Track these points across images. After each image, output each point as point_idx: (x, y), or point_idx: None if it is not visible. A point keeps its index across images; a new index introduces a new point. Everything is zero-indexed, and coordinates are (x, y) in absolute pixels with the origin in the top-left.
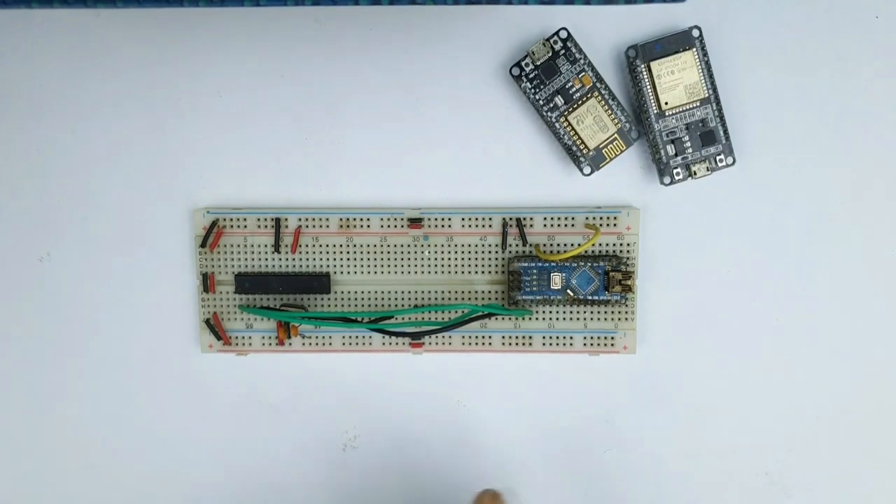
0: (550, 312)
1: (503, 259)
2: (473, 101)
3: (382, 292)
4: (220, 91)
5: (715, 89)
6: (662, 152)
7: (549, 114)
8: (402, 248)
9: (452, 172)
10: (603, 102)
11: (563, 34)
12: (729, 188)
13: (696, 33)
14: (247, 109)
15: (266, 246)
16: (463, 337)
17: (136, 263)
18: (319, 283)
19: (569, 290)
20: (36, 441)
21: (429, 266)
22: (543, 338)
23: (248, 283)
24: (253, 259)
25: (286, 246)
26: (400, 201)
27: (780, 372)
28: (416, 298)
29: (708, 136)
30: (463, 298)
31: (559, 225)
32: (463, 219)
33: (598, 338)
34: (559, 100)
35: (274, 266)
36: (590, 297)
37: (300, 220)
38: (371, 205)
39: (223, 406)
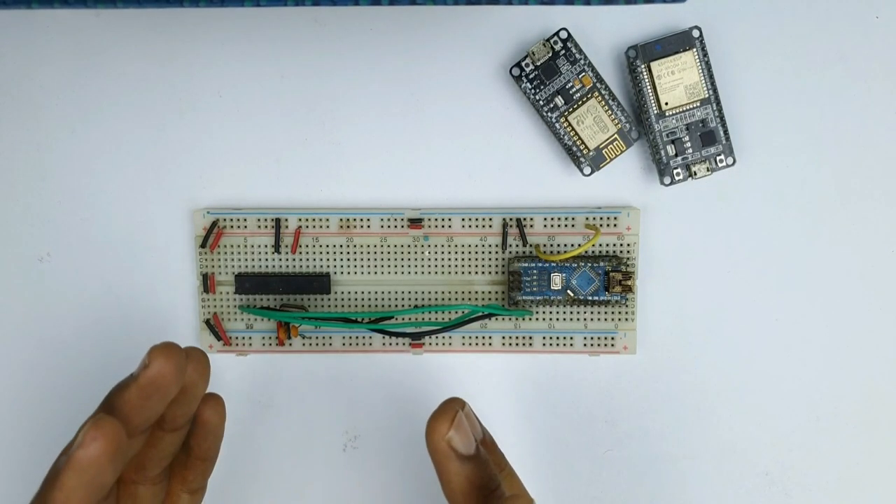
0: (550, 313)
1: (503, 259)
2: (473, 102)
3: (382, 292)
4: (220, 91)
5: (715, 89)
6: (662, 152)
7: (549, 114)
8: (402, 248)
9: (452, 172)
10: (603, 103)
11: (564, 34)
12: (729, 188)
13: (696, 33)
14: (247, 109)
15: (266, 246)
16: (463, 337)
17: (136, 263)
18: (319, 283)
19: (569, 291)
20: (36, 441)
21: (429, 266)
22: (543, 338)
23: (248, 283)
24: (253, 259)
25: (286, 246)
26: (400, 201)
27: (780, 372)
28: (416, 299)
29: (708, 137)
30: (463, 299)
31: (559, 225)
32: (463, 219)
33: (599, 338)
34: (559, 100)
35: (274, 266)
36: (590, 298)
37: (300, 220)
38: (371, 205)
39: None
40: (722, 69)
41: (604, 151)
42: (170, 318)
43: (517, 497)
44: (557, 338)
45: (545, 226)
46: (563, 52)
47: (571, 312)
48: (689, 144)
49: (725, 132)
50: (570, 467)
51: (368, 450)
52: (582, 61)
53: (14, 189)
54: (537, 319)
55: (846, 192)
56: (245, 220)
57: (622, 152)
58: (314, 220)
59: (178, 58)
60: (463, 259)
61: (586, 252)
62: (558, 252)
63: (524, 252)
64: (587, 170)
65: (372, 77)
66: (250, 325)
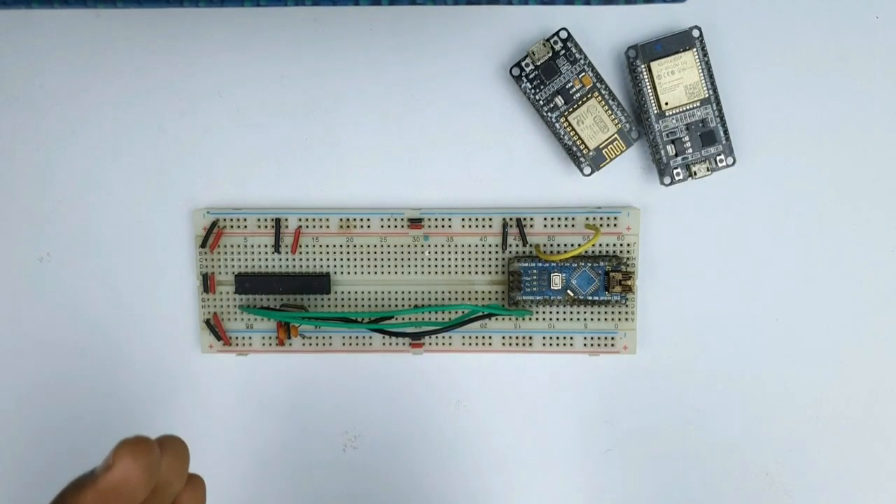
0: (550, 313)
1: (503, 259)
2: (473, 102)
3: (382, 292)
4: (220, 91)
5: (715, 89)
6: (662, 152)
7: (549, 114)
8: (402, 248)
9: (452, 172)
10: (603, 102)
11: (564, 34)
12: (729, 188)
13: (696, 33)
14: (247, 109)
15: (266, 246)
16: (463, 337)
17: (136, 264)
18: (319, 283)
19: (569, 291)
20: (35, 442)
21: (429, 266)
22: (543, 338)
23: (248, 283)
24: (253, 259)
25: (286, 246)
26: (400, 201)
27: (779, 372)
28: (416, 298)
29: (708, 137)
30: (463, 299)
31: (559, 225)
32: (463, 219)
33: (599, 338)
34: (559, 100)
35: (274, 266)
36: (590, 298)
37: (300, 220)
38: (371, 205)
39: (223, 406)
40: (722, 69)
41: (604, 151)
42: (170, 318)
43: None
44: (557, 338)
45: (545, 226)
46: (563, 52)
47: (571, 312)
48: (689, 144)
49: (725, 132)
50: (570, 467)
51: (368, 450)
52: (582, 61)
53: (14, 189)
54: (537, 319)
55: (846, 191)
56: (245, 220)
57: (622, 152)
58: (314, 220)
59: (178, 58)
60: (463, 259)
61: (586, 252)
62: (558, 252)
63: (524, 252)
64: (587, 170)
65: (372, 77)
66: (250, 325)
